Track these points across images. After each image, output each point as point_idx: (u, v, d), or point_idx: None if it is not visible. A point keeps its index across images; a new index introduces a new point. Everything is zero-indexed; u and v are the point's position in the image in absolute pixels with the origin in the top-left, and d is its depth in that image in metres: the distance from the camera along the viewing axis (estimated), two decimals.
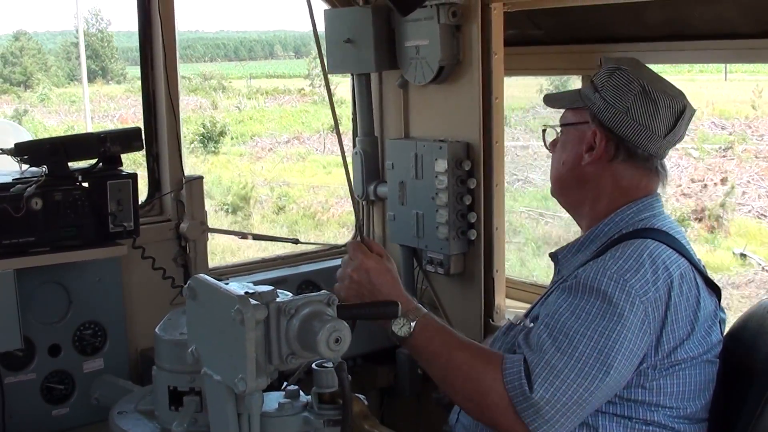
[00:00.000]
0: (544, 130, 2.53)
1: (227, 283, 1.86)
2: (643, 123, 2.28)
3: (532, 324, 2.26)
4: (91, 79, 31.49)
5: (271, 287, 1.82)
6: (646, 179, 2.35)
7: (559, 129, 2.48)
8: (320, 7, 3.58)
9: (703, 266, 2.30)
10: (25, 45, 33.96)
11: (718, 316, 2.25)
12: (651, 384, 2.15)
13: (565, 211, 2.56)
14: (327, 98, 2.40)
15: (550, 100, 2.51)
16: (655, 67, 2.43)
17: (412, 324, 2.23)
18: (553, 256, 2.50)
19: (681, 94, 2.33)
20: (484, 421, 2.22)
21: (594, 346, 2.06)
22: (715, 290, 2.27)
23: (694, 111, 2.35)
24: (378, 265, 2.32)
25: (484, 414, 2.18)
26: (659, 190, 2.39)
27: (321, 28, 3.58)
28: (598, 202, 2.37)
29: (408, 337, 2.24)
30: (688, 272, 2.18)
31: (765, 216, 12.45)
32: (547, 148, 2.52)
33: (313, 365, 2.04)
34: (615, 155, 2.32)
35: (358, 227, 2.47)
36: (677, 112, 2.29)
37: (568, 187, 2.45)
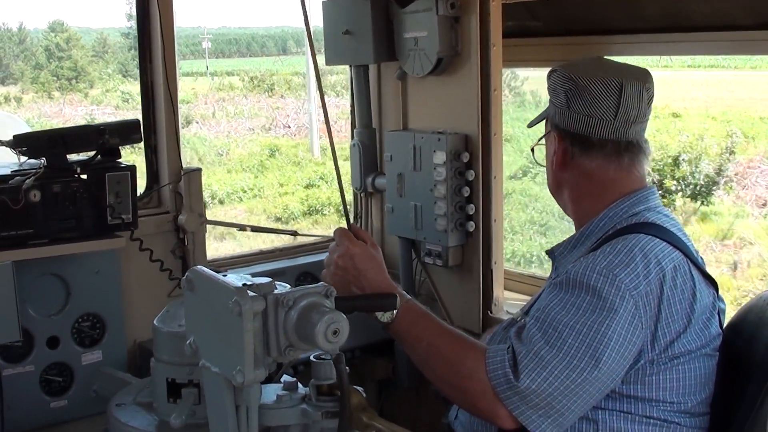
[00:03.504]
0: (532, 150, 2.56)
1: (225, 275, 1.86)
2: (585, 112, 2.26)
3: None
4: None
5: (269, 279, 1.82)
6: (614, 165, 2.31)
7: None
8: None
9: (701, 259, 2.29)
10: (72, 36, 30.55)
11: (717, 308, 2.24)
12: (650, 379, 2.14)
13: None
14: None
15: (533, 123, 2.55)
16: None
17: (395, 311, 2.24)
18: (550, 253, 2.50)
19: (621, 74, 2.27)
20: (464, 405, 2.25)
21: (583, 340, 2.06)
22: (712, 283, 2.25)
23: (639, 86, 2.26)
24: (363, 251, 2.32)
25: (464, 398, 2.20)
26: (644, 169, 2.35)
27: (320, 19, 3.58)
28: (581, 202, 2.38)
29: (391, 322, 2.26)
30: (683, 265, 2.16)
31: None
32: (537, 163, 2.53)
33: (312, 357, 2.05)
34: (572, 151, 2.33)
35: (347, 215, 2.48)
36: (615, 90, 2.24)
37: (557, 194, 2.47)
